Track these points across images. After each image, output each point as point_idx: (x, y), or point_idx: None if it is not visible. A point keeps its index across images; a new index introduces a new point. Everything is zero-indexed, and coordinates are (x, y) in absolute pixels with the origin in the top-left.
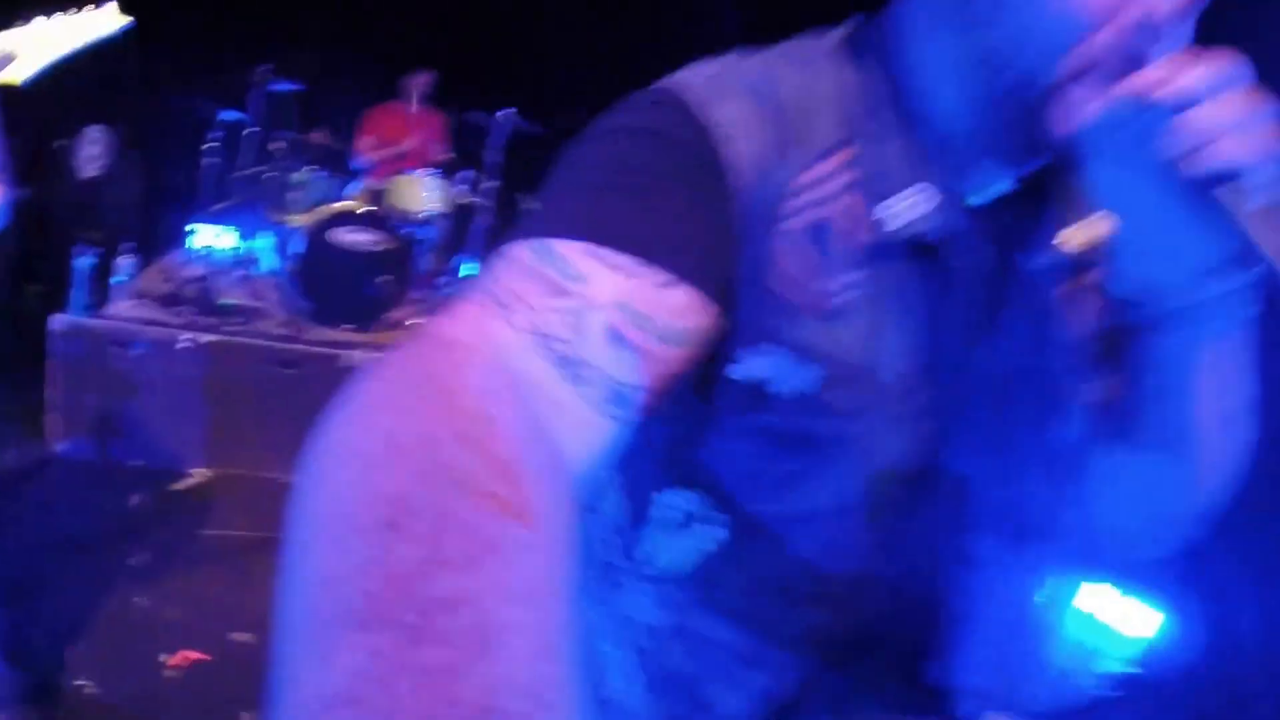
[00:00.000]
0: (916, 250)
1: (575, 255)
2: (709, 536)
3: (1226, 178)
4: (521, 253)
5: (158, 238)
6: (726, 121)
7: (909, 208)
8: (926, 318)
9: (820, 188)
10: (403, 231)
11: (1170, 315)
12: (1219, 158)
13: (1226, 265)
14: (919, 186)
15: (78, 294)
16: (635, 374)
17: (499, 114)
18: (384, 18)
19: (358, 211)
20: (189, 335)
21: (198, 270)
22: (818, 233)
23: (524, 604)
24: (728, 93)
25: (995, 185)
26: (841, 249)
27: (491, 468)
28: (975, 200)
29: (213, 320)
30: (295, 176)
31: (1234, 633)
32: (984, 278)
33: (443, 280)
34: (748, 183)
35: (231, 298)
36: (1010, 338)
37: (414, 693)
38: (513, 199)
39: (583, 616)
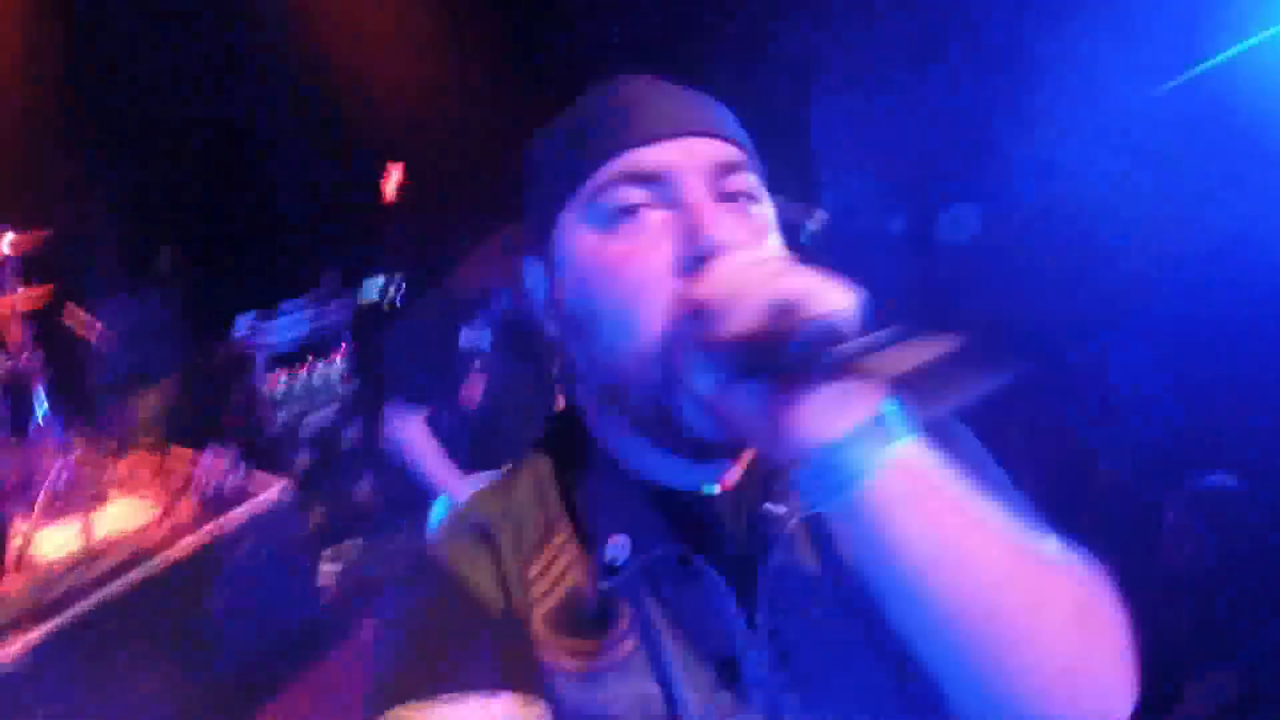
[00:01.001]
0: (654, 582)
1: (417, 713)
2: None
3: (815, 340)
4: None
5: None
6: (462, 562)
7: (621, 548)
8: (697, 638)
9: (547, 573)
10: None
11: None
12: (808, 315)
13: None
14: (620, 539)
15: None
16: None
17: None
18: None
19: None
20: None
21: None
22: (563, 610)
23: None
24: (457, 538)
25: (705, 486)
26: (588, 614)
27: None
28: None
29: None
30: None
31: None
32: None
33: None
34: (496, 597)
35: None
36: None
37: None
38: None
39: None
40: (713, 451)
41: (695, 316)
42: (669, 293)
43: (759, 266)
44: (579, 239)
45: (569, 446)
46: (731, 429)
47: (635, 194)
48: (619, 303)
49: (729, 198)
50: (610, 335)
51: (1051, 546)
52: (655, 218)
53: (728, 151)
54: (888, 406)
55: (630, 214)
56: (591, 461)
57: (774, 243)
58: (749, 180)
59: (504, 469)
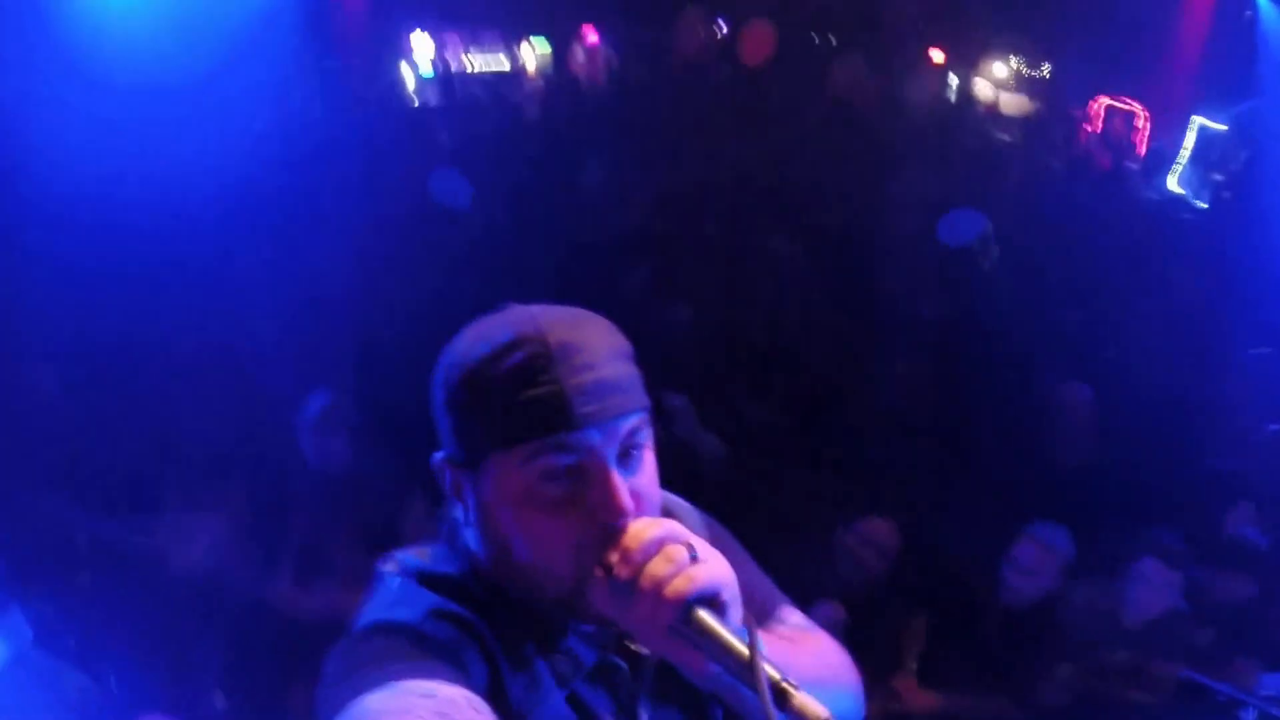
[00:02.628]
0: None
1: (410, 686)
2: None
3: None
4: (376, 700)
5: None
6: (449, 641)
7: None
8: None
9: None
10: None
11: None
12: (680, 591)
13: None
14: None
15: None
16: None
17: None
18: None
19: None
20: None
21: None
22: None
23: None
24: (435, 622)
25: (584, 662)
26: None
27: None
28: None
29: None
30: None
31: None
32: None
33: None
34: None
35: None
36: None
37: None
38: None
39: None
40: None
41: (603, 578)
42: (581, 558)
43: (652, 543)
44: (511, 494)
45: (472, 594)
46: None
47: (561, 468)
48: (540, 561)
49: (629, 451)
50: (529, 576)
51: (798, 619)
52: (576, 490)
53: (634, 422)
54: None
55: (556, 483)
56: (500, 603)
57: (654, 480)
58: (642, 435)
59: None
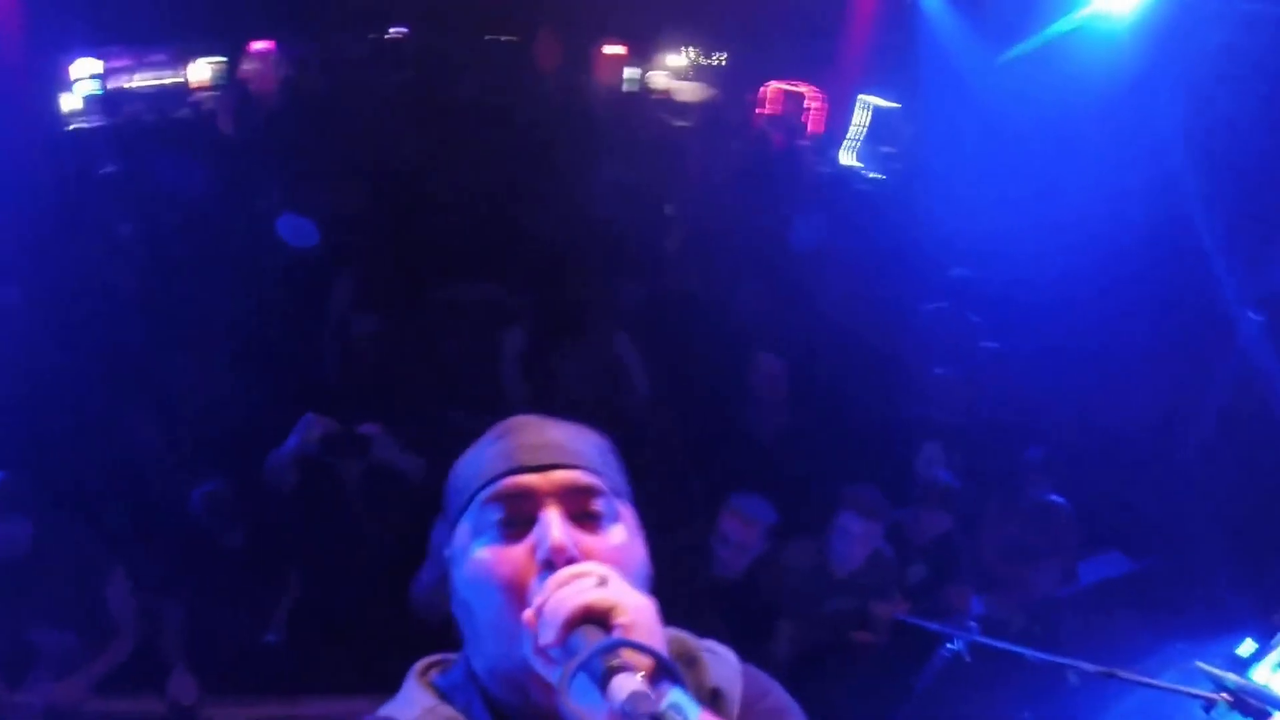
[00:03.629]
0: None
1: None
2: None
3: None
4: None
5: None
6: None
7: None
8: None
9: None
10: None
11: None
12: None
13: None
14: None
15: None
16: None
17: None
18: None
19: None
20: None
21: None
22: None
23: None
24: None
25: None
26: None
27: None
28: None
29: None
30: None
31: None
32: None
33: None
34: None
35: None
36: None
37: None
38: None
39: None
40: None
41: (532, 625)
42: (521, 602)
43: (575, 582)
44: (464, 547)
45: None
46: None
47: (501, 511)
48: (486, 604)
49: (582, 516)
50: (486, 637)
51: None
52: (516, 533)
53: (579, 478)
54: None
55: (499, 528)
56: (490, 705)
57: (620, 551)
58: (599, 503)
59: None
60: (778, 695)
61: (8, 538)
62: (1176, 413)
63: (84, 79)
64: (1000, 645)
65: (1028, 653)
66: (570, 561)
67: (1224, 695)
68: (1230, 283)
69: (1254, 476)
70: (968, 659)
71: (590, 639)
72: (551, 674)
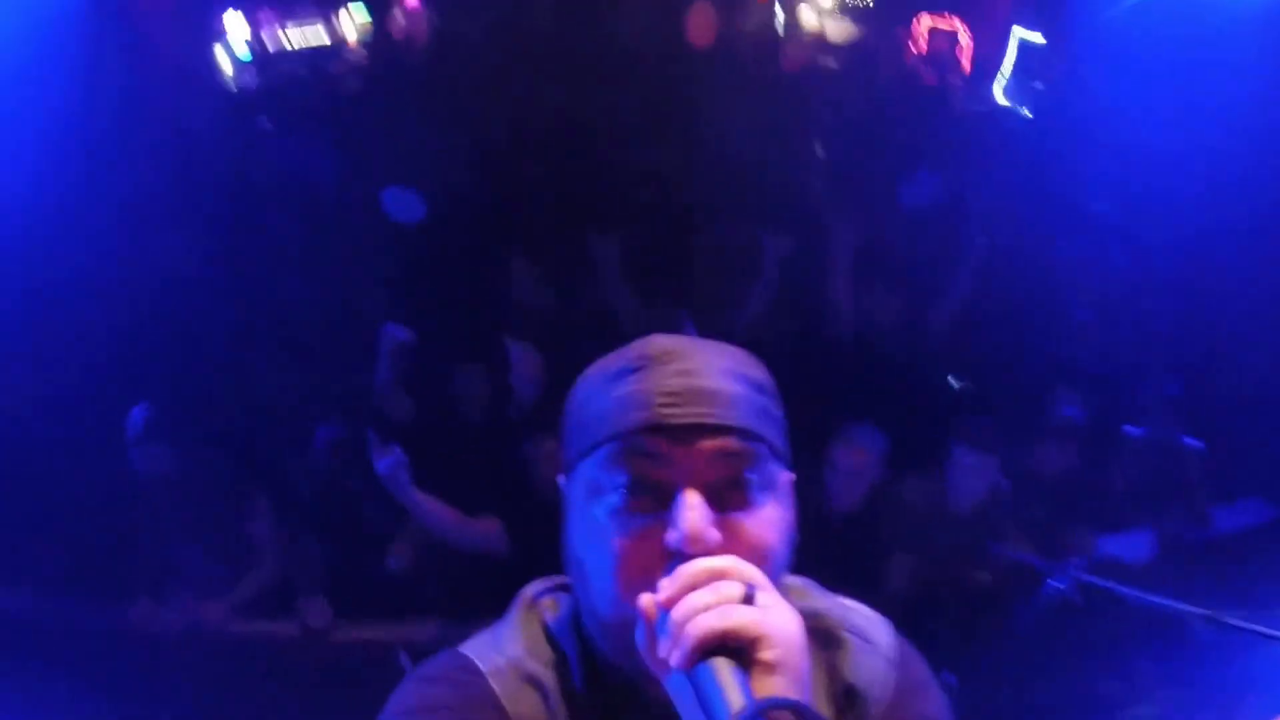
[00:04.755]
0: None
1: None
2: None
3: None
4: None
5: None
6: (518, 703)
7: None
8: None
9: None
10: None
11: None
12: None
13: None
14: None
15: None
16: None
17: None
18: None
19: None
20: None
21: None
22: None
23: None
24: (509, 680)
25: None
26: None
27: None
28: None
29: None
30: None
31: None
32: None
33: None
34: None
35: None
36: None
37: None
38: None
39: None
40: None
41: (650, 619)
42: (641, 584)
43: (705, 573)
44: (583, 497)
45: (580, 630)
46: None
47: (629, 476)
48: (603, 584)
49: (728, 487)
50: (596, 601)
51: None
52: (644, 504)
53: (730, 445)
54: None
55: (625, 493)
56: (597, 654)
57: (769, 534)
58: (751, 473)
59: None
60: (929, 700)
61: (151, 456)
62: None
63: (236, 39)
64: (1108, 586)
65: (1133, 594)
66: (706, 554)
67: None
68: None
69: None
70: (1078, 600)
71: (724, 678)
72: (664, 677)
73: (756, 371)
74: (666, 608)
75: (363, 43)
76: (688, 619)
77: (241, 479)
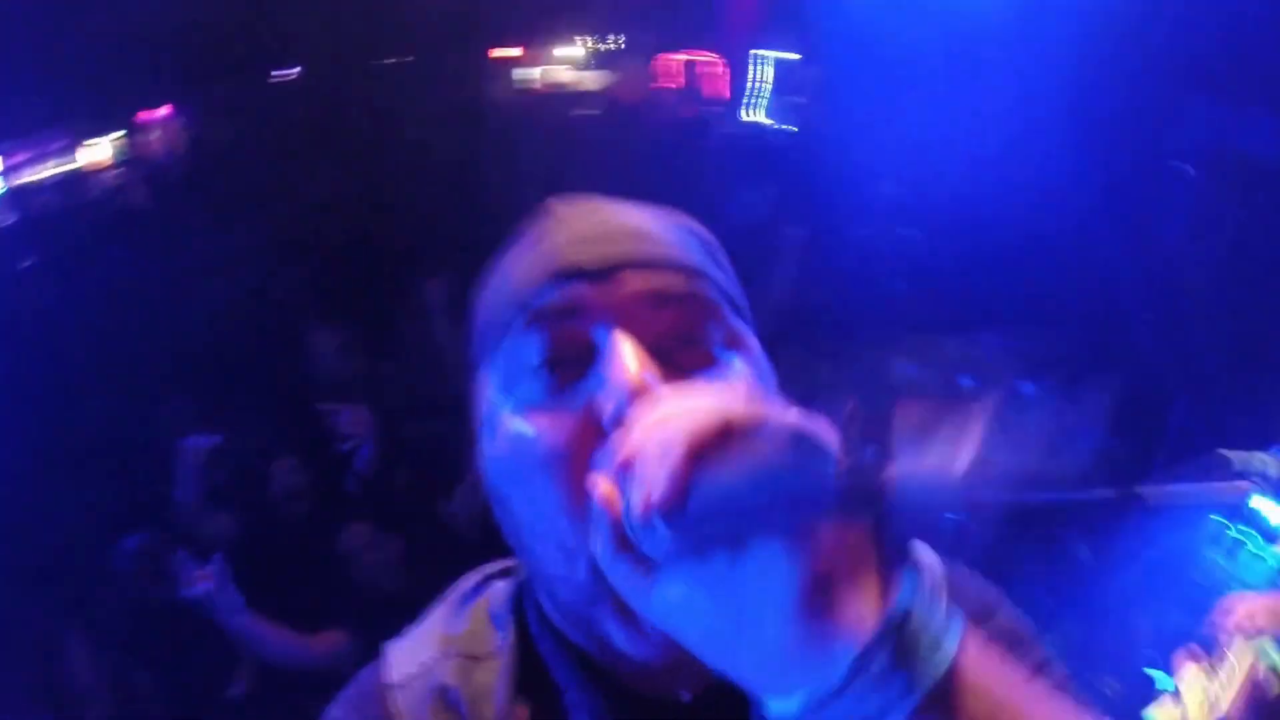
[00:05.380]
0: None
1: None
2: None
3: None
4: None
5: None
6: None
7: None
8: None
9: None
10: None
11: None
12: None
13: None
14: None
15: None
16: None
17: None
18: None
19: None
20: None
21: None
22: None
23: None
24: (415, 696)
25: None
26: None
27: None
28: None
29: None
30: None
31: None
32: None
33: None
34: None
35: None
36: None
37: None
38: None
39: None
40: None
41: (610, 503)
42: (579, 481)
43: (680, 409)
44: (490, 413)
45: (521, 616)
46: (674, 649)
47: (544, 347)
48: (528, 499)
49: (676, 345)
50: (526, 534)
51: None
52: (568, 380)
53: (670, 283)
54: (910, 589)
55: (541, 376)
56: (551, 641)
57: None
58: (704, 323)
59: (450, 607)
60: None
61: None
62: None
63: None
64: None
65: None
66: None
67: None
68: None
69: None
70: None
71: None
72: (641, 584)
73: (696, 223)
74: (622, 458)
75: (119, 160)
76: (662, 442)
77: (50, 614)
